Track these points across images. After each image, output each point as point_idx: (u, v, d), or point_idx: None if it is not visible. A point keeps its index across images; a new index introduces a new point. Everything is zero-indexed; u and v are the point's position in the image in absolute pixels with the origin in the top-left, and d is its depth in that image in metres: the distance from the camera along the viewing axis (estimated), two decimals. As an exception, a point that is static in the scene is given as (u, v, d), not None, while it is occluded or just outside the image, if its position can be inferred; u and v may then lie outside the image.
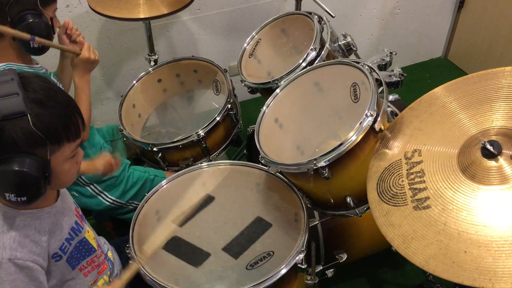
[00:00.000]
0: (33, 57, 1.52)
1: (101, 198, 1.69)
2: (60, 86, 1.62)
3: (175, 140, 1.73)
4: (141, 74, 2.00)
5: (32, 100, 0.92)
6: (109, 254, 1.36)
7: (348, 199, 1.34)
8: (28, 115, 0.90)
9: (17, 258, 1.01)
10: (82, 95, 1.57)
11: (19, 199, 0.95)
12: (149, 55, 2.10)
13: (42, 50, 1.40)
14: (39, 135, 0.92)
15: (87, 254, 1.22)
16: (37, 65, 1.53)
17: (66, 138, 0.98)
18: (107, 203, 1.71)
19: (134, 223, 1.42)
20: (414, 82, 2.82)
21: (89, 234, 1.25)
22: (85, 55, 1.53)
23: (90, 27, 2.20)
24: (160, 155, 1.74)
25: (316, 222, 1.57)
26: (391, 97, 1.86)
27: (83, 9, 2.11)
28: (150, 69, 2.02)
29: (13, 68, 0.98)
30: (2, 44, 1.40)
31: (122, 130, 1.80)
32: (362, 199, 1.34)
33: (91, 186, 1.69)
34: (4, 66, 1.40)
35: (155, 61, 2.09)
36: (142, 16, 1.82)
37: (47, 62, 1.62)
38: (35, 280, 1.04)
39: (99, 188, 1.70)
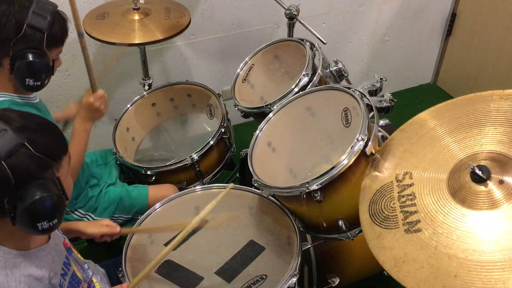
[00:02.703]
0: None
1: (87, 221, 1.69)
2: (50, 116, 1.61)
3: (169, 163, 1.75)
4: (136, 98, 2.02)
5: (19, 129, 0.93)
6: (94, 280, 1.32)
7: (340, 222, 1.35)
8: (26, 143, 0.92)
9: None
10: (77, 142, 1.54)
11: (51, 223, 0.96)
12: (143, 79, 2.12)
13: (37, 88, 1.39)
14: (43, 158, 0.94)
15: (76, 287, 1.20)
16: (32, 95, 1.51)
17: (62, 151, 1.00)
18: None
19: (127, 247, 1.42)
20: (404, 107, 2.87)
21: (73, 265, 1.23)
22: (91, 99, 1.53)
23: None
24: (153, 178, 1.75)
25: (309, 246, 1.57)
26: (381, 122, 1.89)
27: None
28: (144, 93, 2.04)
29: None
30: (2, 73, 1.38)
31: (116, 154, 1.81)
32: (354, 223, 1.35)
33: (75, 212, 1.68)
34: None
35: (150, 85, 2.11)
36: (137, 41, 1.84)
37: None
38: None
39: (83, 212, 1.69)
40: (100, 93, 1.55)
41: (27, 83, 1.36)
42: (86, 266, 1.30)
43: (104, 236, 1.41)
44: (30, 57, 1.33)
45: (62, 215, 0.99)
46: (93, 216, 1.70)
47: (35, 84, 1.37)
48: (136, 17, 1.91)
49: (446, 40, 3.05)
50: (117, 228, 1.41)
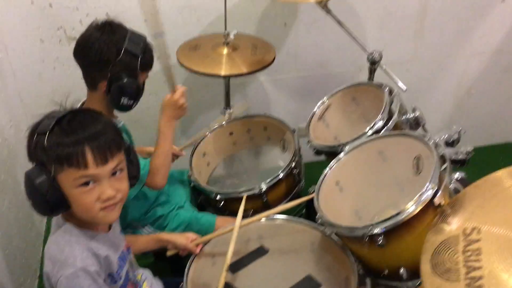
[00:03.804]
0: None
1: None
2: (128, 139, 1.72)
3: (238, 190, 1.81)
4: (215, 126, 2.13)
5: (58, 126, 1.08)
6: (144, 285, 1.41)
7: (402, 270, 1.33)
8: (47, 134, 1.06)
9: (89, 265, 1.13)
10: (163, 141, 1.63)
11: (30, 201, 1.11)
12: (224, 109, 2.24)
13: (129, 107, 1.54)
14: (46, 151, 1.07)
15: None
16: (117, 118, 1.66)
17: (66, 163, 1.07)
18: None
19: (189, 266, 1.49)
20: (486, 163, 2.72)
21: (127, 265, 1.33)
22: (176, 97, 1.63)
23: (176, 78, 2.39)
24: (222, 203, 1.82)
25: (367, 291, 1.54)
26: (457, 175, 1.83)
27: (172, 62, 2.31)
28: (224, 122, 2.15)
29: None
30: (95, 96, 1.55)
31: (191, 176, 1.91)
32: (416, 273, 1.32)
33: (145, 228, 1.79)
34: None
35: (230, 115, 2.22)
36: (223, 73, 1.96)
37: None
38: None
39: (151, 229, 1.80)
40: (181, 89, 1.66)
41: (121, 102, 1.51)
42: (139, 271, 1.41)
43: (185, 250, 1.55)
44: (126, 78, 1.49)
45: (39, 202, 1.10)
46: None
47: (129, 103, 1.52)
48: (225, 51, 2.05)
49: (537, 99, 2.91)
50: (197, 250, 1.53)
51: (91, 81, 1.55)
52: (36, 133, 1.09)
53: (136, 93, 1.53)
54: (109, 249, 1.22)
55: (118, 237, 1.31)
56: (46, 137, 1.06)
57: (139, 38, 1.54)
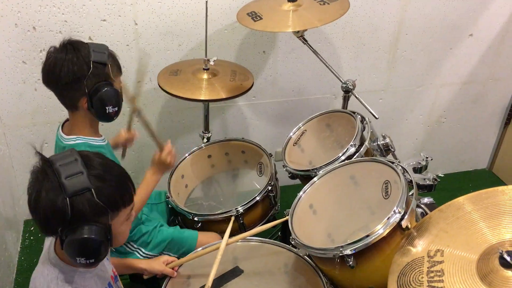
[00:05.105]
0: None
1: (137, 254, 1.80)
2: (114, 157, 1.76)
3: (215, 212, 1.85)
4: (194, 149, 2.17)
5: (94, 176, 1.07)
6: None
7: (371, 291, 1.38)
8: (92, 189, 1.05)
9: None
10: (144, 188, 1.71)
11: (88, 261, 1.09)
12: (203, 133, 2.27)
13: (115, 115, 1.57)
14: (102, 206, 1.06)
15: None
16: (101, 137, 1.67)
17: (122, 204, 1.13)
18: (142, 257, 1.81)
19: (166, 285, 1.51)
20: (456, 190, 2.84)
21: None
22: (164, 155, 1.73)
23: (156, 101, 2.44)
24: (199, 225, 1.85)
25: (338, 311, 1.59)
26: (426, 200, 1.91)
27: (153, 86, 2.36)
28: (202, 145, 2.20)
29: (75, 149, 1.14)
30: (78, 116, 1.57)
31: (169, 197, 1.94)
32: (384, 293, 1.38)
33: (128, 245, 1.81)
34: (74, 139, 1.56)
35: (208, 139, 2.25)
36: (202, 98, 2.01)
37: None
38: None
39: (135, 246, 1.82)
40: (168, 148, 1.75)
41: (107, 111, 1.53)
42: None
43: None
44: (105, 88, 1.51)
45: (100, 257, 1.11)
46: (143, 250, 1.81)
47: (114, 110, 1.55)
48: (205, 76, 2.10)
49: (504, 129, 3.04)
50: (175, 274, 1.59)
51: (70, 102, 1.55)
52: (71, 195, 1.03)
53: (117, 100, 1.56)
54: (94, 285, 1.23)
55: (104, 268, 1.31)
56: (92, 193, 1.05)
57: (102, 48, 1.56)
